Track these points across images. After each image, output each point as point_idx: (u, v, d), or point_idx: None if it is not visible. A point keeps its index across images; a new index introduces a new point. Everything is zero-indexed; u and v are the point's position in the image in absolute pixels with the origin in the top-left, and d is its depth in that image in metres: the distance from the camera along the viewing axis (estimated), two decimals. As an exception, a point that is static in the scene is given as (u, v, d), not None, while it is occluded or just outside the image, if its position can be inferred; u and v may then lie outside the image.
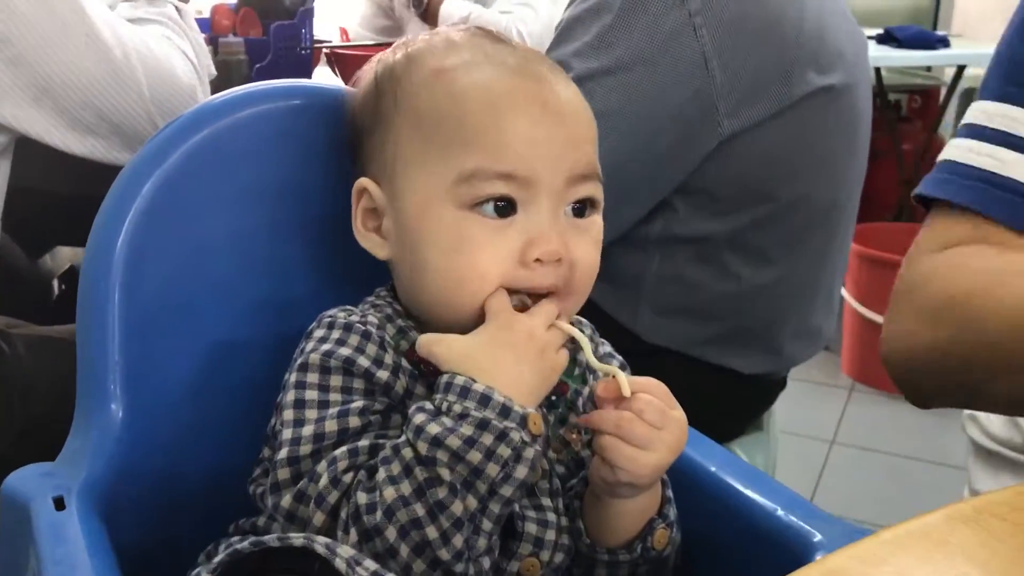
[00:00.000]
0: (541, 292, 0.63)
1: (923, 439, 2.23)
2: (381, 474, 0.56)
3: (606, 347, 0.75)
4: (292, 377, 0.63)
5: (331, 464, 0.58)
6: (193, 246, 0.73)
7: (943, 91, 3.22)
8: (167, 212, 0.72)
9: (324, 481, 0.58)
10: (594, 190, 0.66)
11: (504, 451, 0.56)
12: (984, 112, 0.80)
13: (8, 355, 1.10)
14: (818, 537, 0.61)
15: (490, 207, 0.62)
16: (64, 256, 1.69)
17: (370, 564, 0.54)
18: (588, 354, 0.64)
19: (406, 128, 0.65)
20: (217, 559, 0.55)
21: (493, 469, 0.56)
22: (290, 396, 0.62)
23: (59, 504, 0.63)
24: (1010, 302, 0.70)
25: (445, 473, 0.56)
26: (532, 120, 0.63)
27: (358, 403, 0.61)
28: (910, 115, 3.43)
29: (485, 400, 0.57)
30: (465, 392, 0.58)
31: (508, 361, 0.60)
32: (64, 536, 0.60)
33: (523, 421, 0.57)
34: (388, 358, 0.63)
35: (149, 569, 0.66)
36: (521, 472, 0.57)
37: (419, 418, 0.57)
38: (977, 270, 0.75)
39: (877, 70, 2.82)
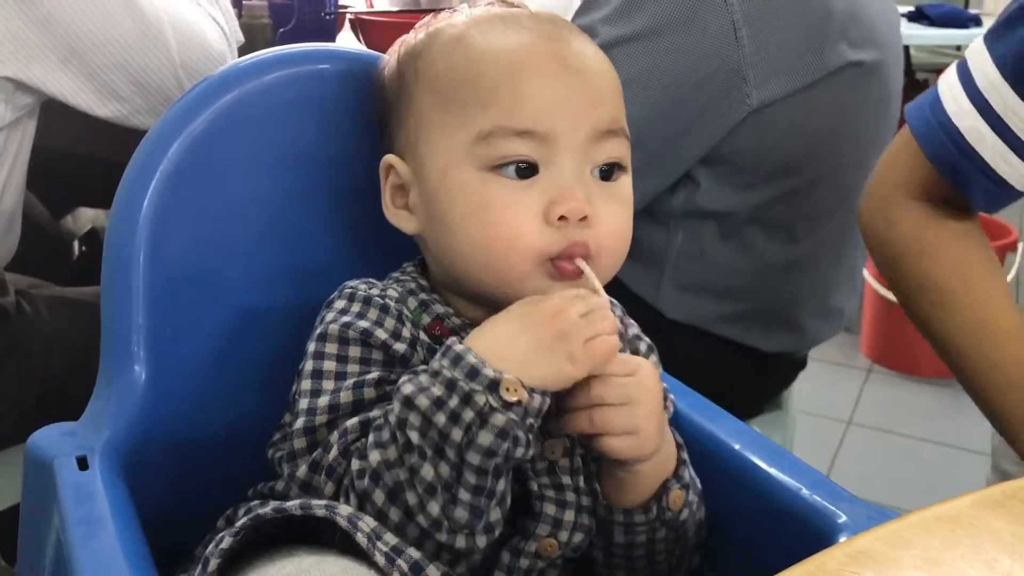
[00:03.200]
0: (575, 253, 0.61)
1: (940, 422, 2.22)
2: (371, 438, 0.56)
3: (634, 328, 0.74)
4: (311, 346, 0.63)
5: (342, 435, 0.58)
6: (218, 210, 0.73)
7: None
8: (193, 174, 0.71)
9: (335, 452, 0.58)
10: (620, 150, 0.64)
11: (468, 414, 0.54)
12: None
13: (30, 315, 1.11)
14: (843, 518, 0.61)
15: (511, 170, 0.61)
16: (85, 218, 1.70)
17: (390, 538, 0.54)
18: None
19: (426, 97, 0.65)
20: (239, 523, 0.55)
21: (457, 433, 0.54)
22: (308, 365, 0.62)
23: (82, 464, 0.64)
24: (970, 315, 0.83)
25: (415, 436, 0.54)
26: (549, 77, 0.62)
27: (374, 374, 0.61)
28: (937, 95, 3.38)
29: (457, 359, 0.55)
30: (445, 351, 0.56)
31: (522, 340, 0.57)
32: (87, 495, 0.61)
33: (493, 385, 0.54)
34: (406, 331, 0.63)
35: (169, 529, 0.66)
36: (485, 439, 0.54)
37: (402, 379, 0.56)
38: (946, 265, 0.85)
39: (906, 48, 2.78)
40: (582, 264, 0.61)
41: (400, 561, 0.53)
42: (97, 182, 1.16)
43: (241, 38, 1.21)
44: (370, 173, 0.69)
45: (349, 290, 0.65)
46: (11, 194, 1.05)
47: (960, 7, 2.97)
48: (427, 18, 0.70)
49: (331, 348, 0.62)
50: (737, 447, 0.69)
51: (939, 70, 3.43)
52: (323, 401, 0.60)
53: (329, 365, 0.62)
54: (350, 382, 0.61)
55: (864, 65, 1.10)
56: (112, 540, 0.57)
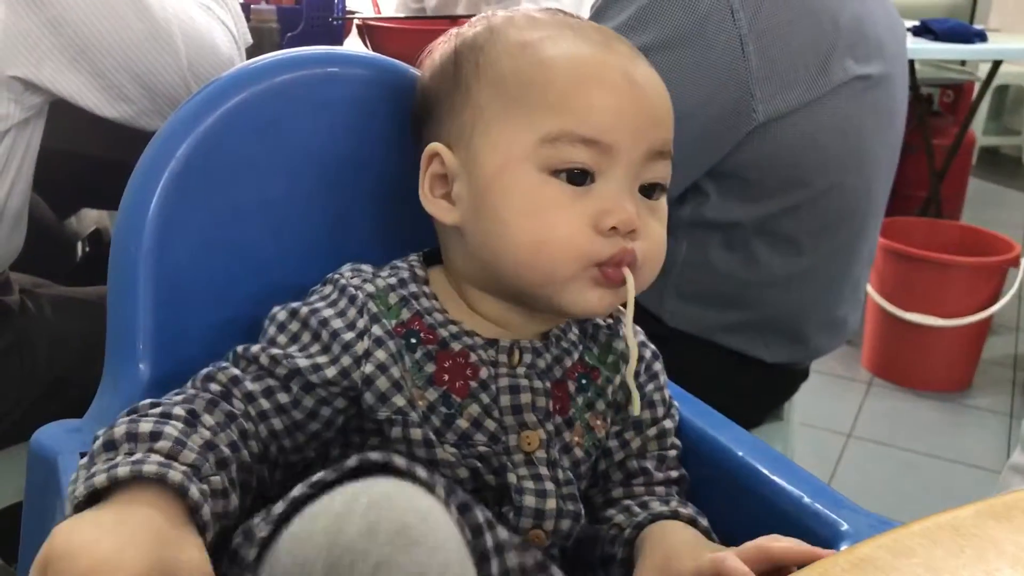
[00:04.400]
0: (624, 260, 0.63)
1: (940, 436, 2.22)
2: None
3: (640, 335, 0.75)
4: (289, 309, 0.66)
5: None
6: (226, 211, 0.73)
7: (976, 87, 3.18)
8: (201, 175, 0.71)
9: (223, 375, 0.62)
10: (666, 171, 0.66)
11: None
12: None
13: (34, 314, 1.11)
14: (845, 526, 0.61)
15: (565, 175, 0.63)
16: (90, 218, 1.70)
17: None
18: (631, 368, 0.66)
19: (487, 92, 0.65)
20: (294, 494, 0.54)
21: None
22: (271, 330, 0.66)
23: (86, 460, 0.64)
24: None
25: None
26: (618, 91, 0.63)
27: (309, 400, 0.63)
28: (942, 110, 3.39)
29: None
30: None
31: None
32: (91, 492, 0.61)
33: None
34: (361, 323, 0.64)
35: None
36: None
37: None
38: None
39: (911, 63, 2.79)
40: (627, 273, 0.63)
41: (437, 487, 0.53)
42: (102, 183, 1.17)
43: (250, 40, 1.21)
44: (380, 176, 0.69)
45: (337, 275, 0.68)
46: (18, 193, 1.05)
47: (965, 22, 2.98)
48: (483, 15, 0.71)
49: (293, 327, 0.65)
50: (740, 454, 0.70)
51: (943, 85, 3.44)
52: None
53: (284, 342, 0.65)
54: (308, 364, 0.62)
55: (871, 78, 1.10)
56: (115, 537, 0.57)
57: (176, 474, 0.52)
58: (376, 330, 0.64)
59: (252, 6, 1.50)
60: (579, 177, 0.62)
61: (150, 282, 0.70)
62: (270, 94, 0.74)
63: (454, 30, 0.71)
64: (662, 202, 0.67)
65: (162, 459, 0.53)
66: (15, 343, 1.08)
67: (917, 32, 2.61)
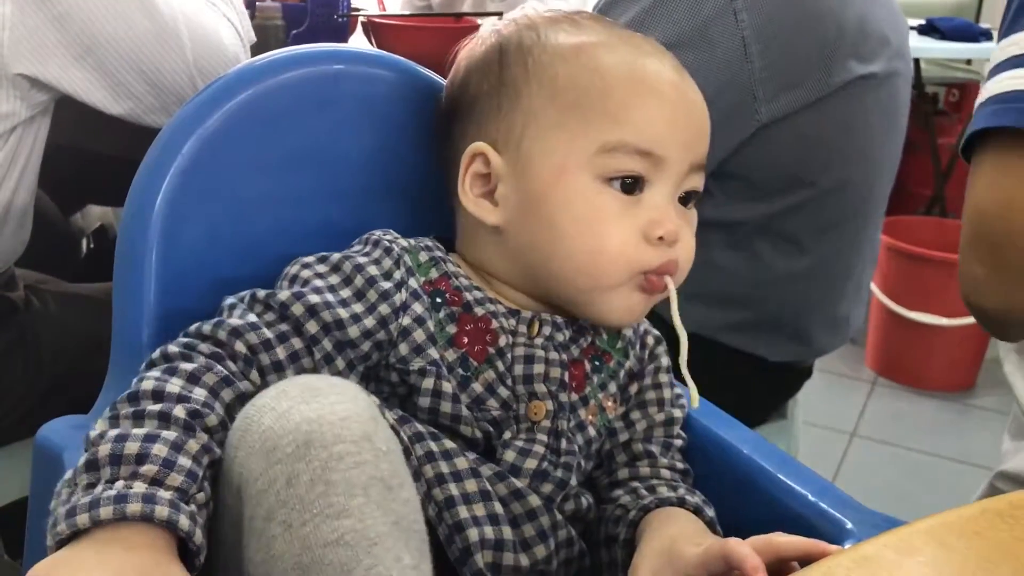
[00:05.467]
0: (668, 270, 0.65)
1: (944, 436, 2.22)
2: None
3: (644, 323, 0.77)
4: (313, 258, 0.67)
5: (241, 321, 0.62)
6: (230, 208, 0.73)
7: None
8: (206, 171, 0.72)
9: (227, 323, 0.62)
10: (701, 182, 0.68)
11: None
12: (1015, 43, 0.78)
13: (38, 310, 1.12)
14: (849, 525, 0.61)
15: (619, 183, 0.64)
16: (94, 215, 1.70)
17: None
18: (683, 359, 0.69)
19: (540, 97, 0.66)
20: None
21: None
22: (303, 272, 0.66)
23: (91, 456, 0.64)
24: None
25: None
26: (673, 104, 0.65)
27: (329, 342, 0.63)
28: (947, 109, 3.38)
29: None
30: None
31: None
32: (96, 488, 0.61)
33: None
34: (397, 273, 0.65)
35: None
36: None
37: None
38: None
39: (916, 61, 2.78)
40: (668, 281, 0.65)
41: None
42: (107, 179, 1.17)
43: (253, 37, 1.21)
44: (385, 173, 0.69)
45: (367, 235, 0.69)
46: (24, 190, 1.05)
47: (971, 21, 2.97)
48: (521, 14, 0.71)
49: (320, 268, 0.66)
50: (744, 453, 0.70)
51: (949, 84, 3.43)
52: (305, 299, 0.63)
53: (309, 277, 0.65)
54: (348, 315, 0.63)
55: (875, 77, 1.10)
56: (120, 533, 0.57)
57: (163, 509, 0.49)
58: (412, 283, 0.66)
59: (257, 3, 1.50)
60: (631, 186, 0.64)
61: (155, 278, 0.70)
62: (275, 91, 0.74)
63: (493, 27, 0.71)
64: (694, 210, 0.69)
65: (146, 488, 0.50)
66: (20, 339, 1.08)
67: (923, 31, 2.60)
